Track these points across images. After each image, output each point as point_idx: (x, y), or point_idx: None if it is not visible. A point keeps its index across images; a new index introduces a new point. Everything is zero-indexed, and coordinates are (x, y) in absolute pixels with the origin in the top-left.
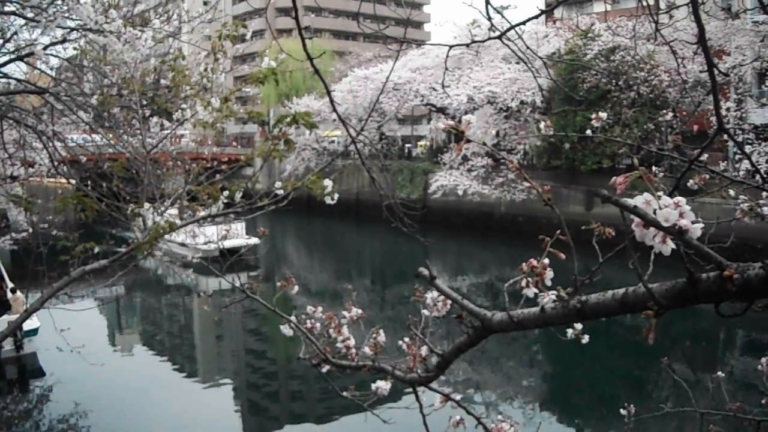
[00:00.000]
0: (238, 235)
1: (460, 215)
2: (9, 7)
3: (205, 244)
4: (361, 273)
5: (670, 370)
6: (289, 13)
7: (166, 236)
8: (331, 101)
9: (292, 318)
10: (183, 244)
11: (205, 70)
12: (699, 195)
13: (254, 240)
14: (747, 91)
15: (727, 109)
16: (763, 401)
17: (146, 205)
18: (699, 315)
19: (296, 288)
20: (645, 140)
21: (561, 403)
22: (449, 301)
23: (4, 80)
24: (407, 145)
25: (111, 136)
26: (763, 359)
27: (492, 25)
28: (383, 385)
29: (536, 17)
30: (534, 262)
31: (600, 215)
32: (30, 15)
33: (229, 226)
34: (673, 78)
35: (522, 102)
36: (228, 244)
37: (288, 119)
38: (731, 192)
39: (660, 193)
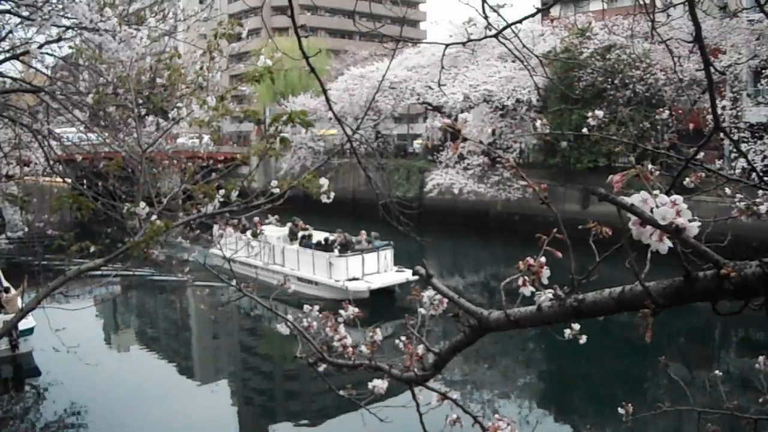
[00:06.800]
0: (387, 268)
1: (457, 214)
2: (4, 6)
3: (351, 280)
4: None
5: (667, 368)
6: (285, 11)
7: (299, 274)
8: (327, 100)
9: (289, 317)
10: (316, 283)
11: (201, 68)
12: (695, 193)
13: (409, 274)
14: (743, 89)
15: (723, 108)
16: (760, 400)
17: (141, 204)
18: (696, 313)
19: (292, 287)
20: (641, 139)
21: (558, 402)
22: (446, 300)
23: None
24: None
25: (107, 135)
26: (761, 358)
27: (488, 23)
28: (380, 384)
29: (532, 16)
30: (530, 260)
31: (596, 214)
32: (25, 13)
33: (375, 255)
34: (669, 76)
35: (518, 100)
36: (379, 281)
37: (284, 118)
38: (727, 190)
39: (657, 192)
